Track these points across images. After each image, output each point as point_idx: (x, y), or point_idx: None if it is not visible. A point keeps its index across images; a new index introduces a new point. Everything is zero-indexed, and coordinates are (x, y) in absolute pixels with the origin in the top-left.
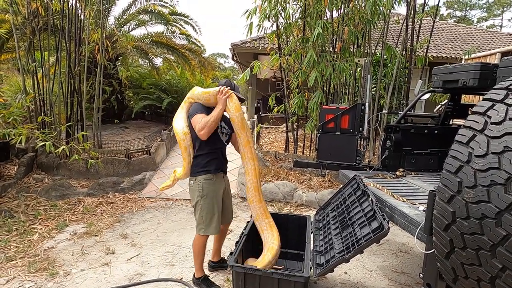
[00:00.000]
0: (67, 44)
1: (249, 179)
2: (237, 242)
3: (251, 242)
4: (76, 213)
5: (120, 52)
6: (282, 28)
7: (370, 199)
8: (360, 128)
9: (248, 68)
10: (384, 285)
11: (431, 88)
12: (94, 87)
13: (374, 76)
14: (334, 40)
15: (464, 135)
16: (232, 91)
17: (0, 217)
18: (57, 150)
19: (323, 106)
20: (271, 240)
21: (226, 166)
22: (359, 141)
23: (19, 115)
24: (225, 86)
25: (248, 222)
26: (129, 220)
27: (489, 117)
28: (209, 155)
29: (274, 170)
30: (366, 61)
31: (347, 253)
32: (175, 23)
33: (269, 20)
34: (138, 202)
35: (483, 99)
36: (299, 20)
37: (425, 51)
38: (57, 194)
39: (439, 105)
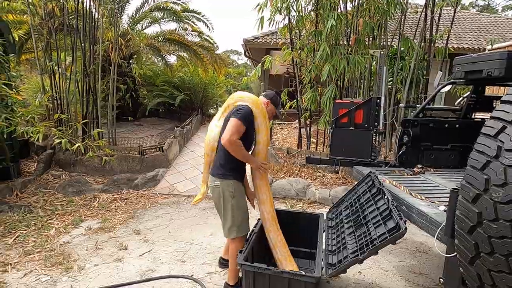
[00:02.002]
0: (82, 44)
1: (264, 208)
2: (247, 240)
3: (262, 241)
4: (91, 209)
5: (134, 51)
6: (294, 22)
7: (385, 197)
8: (376, 123)
9: (260, 64)
10: (401, 286)
11: (452, 80)
12: (108, 85)
13: (391, 69)
14: (349, 32)
15: (492, 127)
16: (275, 107)
17: (20, 212)
18: (72, 148)
19: (337, 101)
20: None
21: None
22: (374, 136)
23: (37, 114)
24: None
25: (259, 219)
26: (142, 216)
27: None
28: (238, 163)
29: (286, 166)
30: (382, 53)
31: (361, 253)
32: (187, 20)
33: (280, 14)
34: (151, 198)
35: None
36: (312, 12)
37: (445, 42)
38: (73, 190)
39: (461, 98)
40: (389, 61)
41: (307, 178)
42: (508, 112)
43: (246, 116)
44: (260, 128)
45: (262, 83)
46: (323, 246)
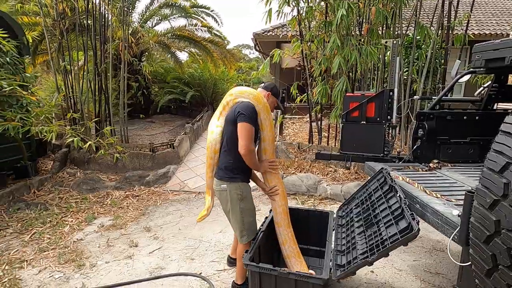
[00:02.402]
0: (93, 42)
1: (276, 201)
2: (253, 239)
3: (269, 239)
4: (104, 206)
5: (144, 48)
6: (303, 13)
7: (398, 195)
8: (388, 116)
9: (268, 58)
10: (416, 287)
11: (471, 69)
12: (122, 83)
13: (406, 59)
14: (361, 22)
15: None
16: (276, 98)
17: (36, 209)
18: (84, 146)
19: (347, 94)
20: (301, 268)
21: None
22: (387, 130)
23: (50, 113)
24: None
25: (266, 217)
26: (153, 213)
27: None
28: (245, 163)
29: (297, 162)
30: (395, 42)
31: (371, 255)
32: (196, 16)
33: (289, 5)
34: (162, 195)
35: None
36: (322, 2)
37: (464, 28)
38: (87, 187)
39: (481, 88)
40: (404, 51)
41: (318, 173)
42: None
43: (252, 117)
44: (263, 125)
45: (273, 77)
46: (332, 246)
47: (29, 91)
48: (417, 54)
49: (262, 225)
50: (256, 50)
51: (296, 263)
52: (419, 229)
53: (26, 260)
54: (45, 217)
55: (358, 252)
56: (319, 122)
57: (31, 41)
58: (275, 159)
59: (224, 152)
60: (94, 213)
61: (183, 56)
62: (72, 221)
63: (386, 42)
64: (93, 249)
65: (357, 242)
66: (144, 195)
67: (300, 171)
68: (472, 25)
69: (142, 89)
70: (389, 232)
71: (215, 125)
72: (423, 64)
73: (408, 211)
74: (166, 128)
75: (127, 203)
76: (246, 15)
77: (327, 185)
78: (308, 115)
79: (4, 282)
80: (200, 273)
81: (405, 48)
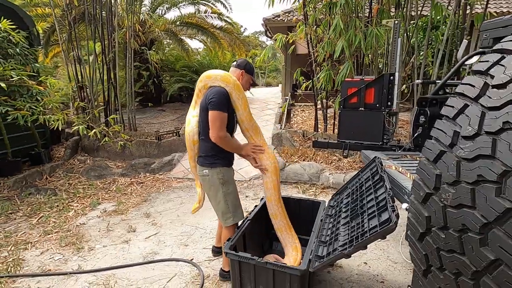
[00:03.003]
0: (100, 32)
1: (269, 176)
2: (238, 227)
3: (261, 225)
4: (109, 192)
5: (153, 37)
6: None
7: (384, 185)
8: (389, 103)
9: (270, 44)
10: (408, 281)
11: (479, 50)
12: (131, 73)
13: (423, 41)
14: (371, 2)
15: (453, 106)
16: (250, 75)
17: (46, 195)
18: (90, 133)
19: (346, 79)
20: (292, 240)
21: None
22: (386, 117)
23: (57, 102)
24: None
25: (256, 206)
26: (155, 200)
27: (492, 76)
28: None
29: (301, 150)
30: (396, 22)
31: (349, 247)
32: (206, 2)
33: None
34: (166, 182)
35: (492, 50)
36: None
37: (484, 6)
38: (95, 174)
39: None
40: (422, 32)
41: (322, 162)
42: (473, 86)
43: (222, 102)
44: (237, 104)
45: (283, 64)
46: (316, 236)
47: (39, 80)
48: (433, 35)
49: (250, 213)
50: (267, 36)
51: (288, 237)
52: (396, 222)
53: (31, 242)
54: (53, 202)
55: (338, 244)
56: (324, 110)
57: (41, 32)
58: (261, 142)
59: (202, 140)
60: (99, 198)
61: (197, 44)
62: (77, 206)
63: (387, 23)
64: (94, 233)
65: (340, 233)
66: (149, 182)
67: (304, 160)
68: (500, 2)
69: (152, 78)
70: (371, 224)
71: (192, 115)
72: (439, 47)
73: (390, 203)
74: (175, 117)
75: (131, 189)
76: (249, 10)
77: (329, 174)
78: (314, 102)
79: (8, 262)
80: (192, 259)
81: (423, 29)
